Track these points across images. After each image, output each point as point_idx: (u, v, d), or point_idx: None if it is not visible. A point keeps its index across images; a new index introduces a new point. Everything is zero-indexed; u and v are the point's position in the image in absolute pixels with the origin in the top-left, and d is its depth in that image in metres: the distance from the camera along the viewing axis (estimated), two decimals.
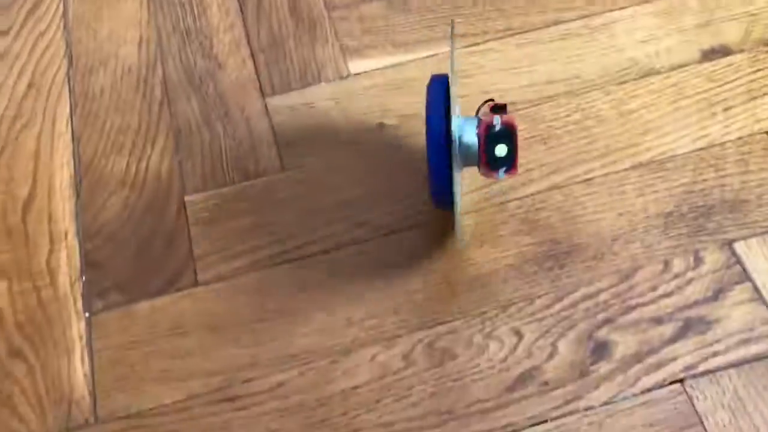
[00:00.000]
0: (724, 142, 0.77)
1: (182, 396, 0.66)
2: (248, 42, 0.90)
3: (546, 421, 0.63)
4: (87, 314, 0.71)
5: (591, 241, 0.72)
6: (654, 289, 0.69)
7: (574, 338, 0.67)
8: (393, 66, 0.86)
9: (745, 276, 0.69)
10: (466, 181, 0.74)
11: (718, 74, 0.82)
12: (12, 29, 0.93)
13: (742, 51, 0.83)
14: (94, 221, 0.77)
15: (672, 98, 0.80)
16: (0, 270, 0.75)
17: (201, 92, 0.86)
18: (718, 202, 0.73)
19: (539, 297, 0.69)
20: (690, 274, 0.70)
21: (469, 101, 0.79)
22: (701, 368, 0.65)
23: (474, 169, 0.69)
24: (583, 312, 0.68)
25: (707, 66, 0.82)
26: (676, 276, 0.70)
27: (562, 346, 0.67)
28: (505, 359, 0.66)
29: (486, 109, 0.69)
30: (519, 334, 0.67)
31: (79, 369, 0.68)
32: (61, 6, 0.94)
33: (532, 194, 0.75)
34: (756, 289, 0.68)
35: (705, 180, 0.75)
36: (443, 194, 0.67)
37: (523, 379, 0.65)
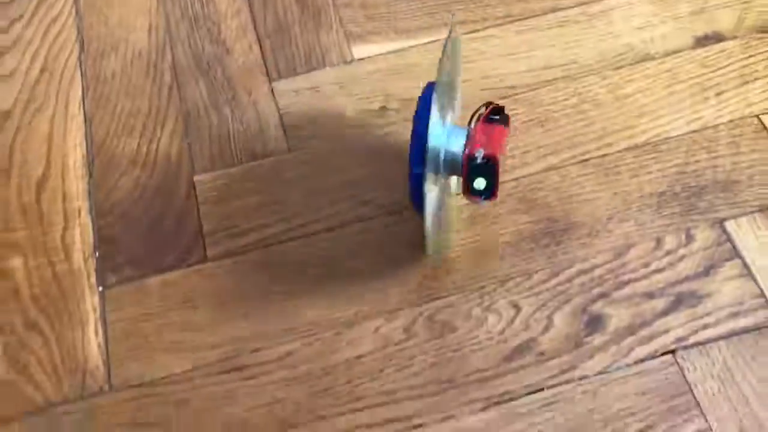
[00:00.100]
0: (717, 125, 0.79)
1: (193, 365, 0.69)
2: (255, 28, 0.92)
3: (542, 390, 0.66)
4: (100, 288, 0.74)
5: (586, 219, 0.75)
6: (647, 265, 0.72)
7: (570, 311, 0.69)
8: (395, 51, 0.88)
9: (735, 253, 0.72)
10: None
11: (711, 60, 0.84)
12: (25, 16, 0.95)
13: (734, 38, 0.85)
14: (107, 200, 0.80)
15: (666, 83, 0.83)
16: (16, 246, 0.77)
17: (209, 77, 0.88)
18: (709, 183, 0.76)
19: (536, 272, 0.72)
20: (682, 251, 0.72)
21: (470, 86, 0.82)
22: (692, 340, 0.67)
23: None
24: (578, 287, 0.71)
25: (701, 52, 0.85)
26: (669, 253, 0.72)
27: (558, 318, 0.69)
28: (502, 331, 0.69)
29: (484, 110, 0.70)
30: (517, 308, 0.70)
31: (93, 340, 0.71)
32: None
33: (529, 175, 0.78)
34: (745, 265, 0.71)
35: (697, 161, 0.77)
36: (419, 206, 0.67)
37: (521, 349, 0.68)
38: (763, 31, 0.85)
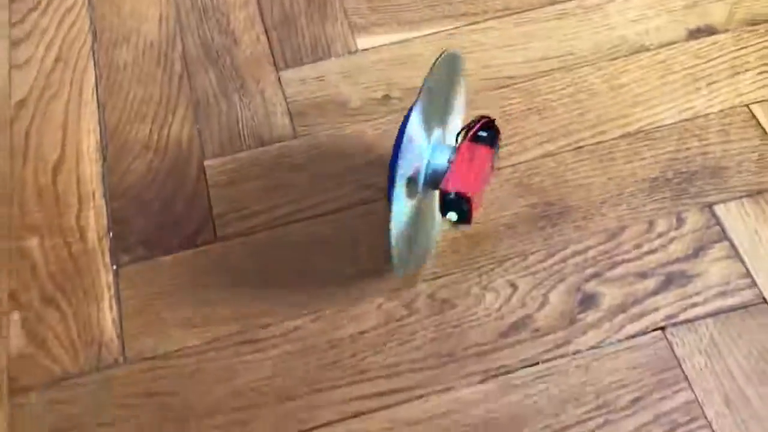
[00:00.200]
0: (708, 114, 0.83)
1: (204, 339, 0.72)
2: (262, 19, 0.95)
3: (537, 363, 0.69)
4: (114, 267, 0.77)
5: (581, 203, 0.78)
6: (639, 246, 0.75)
7: (564, 290, 0.73)
8: (398, 42, 0.91)
9: (724, 236, 0.75)
10: None
11: (703, 52, 0.87)
12: (40, 6, 0.98)
13: (726, 31, 0.88)
14: (120, 183, 0.83)
15: (660, 73, 0.86)
16: (32, 227, 0.80)
17: (218, 66, 0.92)
18: (700, 169, 0.79)
19: (533, 253, 0.75)
20: (672, 234, 0.75)
21: (470, 77, 0.85)
22: (681, 317, 0.71)
23: None
24: (572, 267, 0.74)
25: (693, 44, 0.88)
26: (660, 235, 0.75)
27: (553, 296, 0.72)
28: (500, 308, 0.72)
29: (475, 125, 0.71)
30: (513, 286, 0.73)
31: (108, 315, 0.74)
32: None
33: (527, 161, 0.81)
34: (733, 247, 0.74)
35: (689, 148, 0.80)
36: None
37: (517, 326, 0.71)
38: (753, 24, 0.88)
